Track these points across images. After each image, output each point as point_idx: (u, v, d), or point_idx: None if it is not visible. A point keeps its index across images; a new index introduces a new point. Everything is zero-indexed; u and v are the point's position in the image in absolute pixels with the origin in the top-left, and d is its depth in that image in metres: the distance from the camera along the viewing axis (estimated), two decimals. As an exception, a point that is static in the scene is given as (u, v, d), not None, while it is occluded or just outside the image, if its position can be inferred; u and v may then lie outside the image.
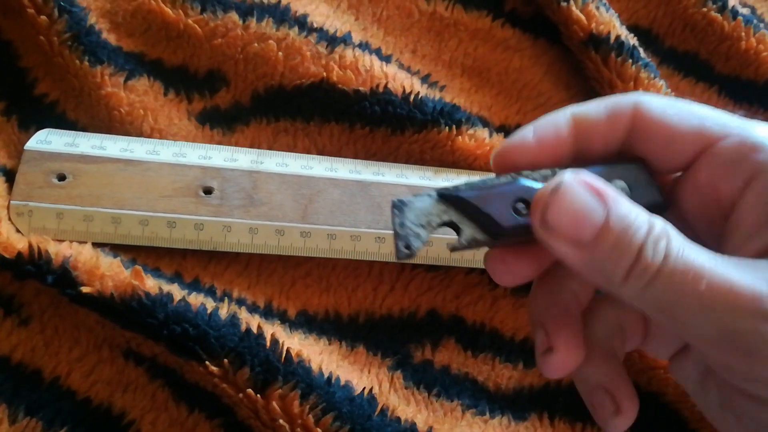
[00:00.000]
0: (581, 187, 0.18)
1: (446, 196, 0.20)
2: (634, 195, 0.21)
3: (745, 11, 0.40)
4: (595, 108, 0.21)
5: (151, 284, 0.28)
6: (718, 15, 0.39)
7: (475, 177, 0.33)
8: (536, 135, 0.21)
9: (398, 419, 0.29)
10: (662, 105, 0.21)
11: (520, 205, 0.20)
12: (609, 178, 0.20)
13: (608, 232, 0.18)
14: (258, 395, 0.26)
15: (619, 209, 0.18)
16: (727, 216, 0.20)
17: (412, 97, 0.33)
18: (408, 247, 0.20)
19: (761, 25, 0.40)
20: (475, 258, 0.32)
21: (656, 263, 0.17)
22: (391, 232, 0.31)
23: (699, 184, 0.21)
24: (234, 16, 0.33)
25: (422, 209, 0.20)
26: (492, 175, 0.21)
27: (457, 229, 0.20)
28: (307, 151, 0.33)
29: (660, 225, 0.18)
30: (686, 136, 0.20)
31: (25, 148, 0.29)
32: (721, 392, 0.21)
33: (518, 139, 0.21)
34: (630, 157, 0.21)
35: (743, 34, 0.39)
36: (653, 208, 0.19)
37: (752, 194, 0.19)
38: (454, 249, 0.20)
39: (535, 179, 0.20)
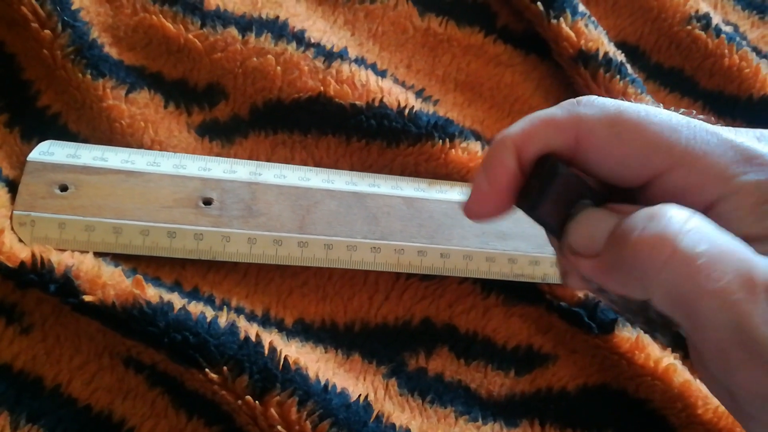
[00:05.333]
0: (601, 209, 0.19)
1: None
2: None
3: (728, 29, 0.41)
4: (553, 111, 0.21)
5: (152, 293, 0.28)
6: (702, 33, 0.41)
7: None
8: (489, 179, 0.21)
9: (393, 426, 0.29)
10: (606, 129, 0.20)
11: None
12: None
13: (619, 227, 0.18)
14: (256, 402, 0.27)
15: (634, 215, 0.18)
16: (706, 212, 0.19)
17: (406, 111, 0.34)
18: None
19: (744, 42, 0.41)
20: (468, 268, 0.33)
21: (682, 246, 0.17)
22: (385, 242, 0.32)
23: (669, 192, 0.20)
24: (233, 31, 0.34)
25: None
26: None
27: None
28: (305, 163, 0.34)
29: (687, 216, 0.17)
30: (633, 165, 0.20)
31: (28, 159, 0.30)
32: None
33: (476, 193, 0.22)
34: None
35: (726, 51, 0.41)
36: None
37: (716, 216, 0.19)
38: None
39: None
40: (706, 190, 0.19)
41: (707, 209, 0.19)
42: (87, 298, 0.27)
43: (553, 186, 0.20)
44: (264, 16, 0.35)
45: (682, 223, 0.17)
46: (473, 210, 0.22)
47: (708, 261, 0.16)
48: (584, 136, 0.20)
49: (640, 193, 0.21)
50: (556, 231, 0.21)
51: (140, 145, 0.32)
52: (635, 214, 0.18)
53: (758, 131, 0.20)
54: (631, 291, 0.19)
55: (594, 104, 0.20)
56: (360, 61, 0.35)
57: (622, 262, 0.18)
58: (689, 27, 0.41)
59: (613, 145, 0.20)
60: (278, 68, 0.34)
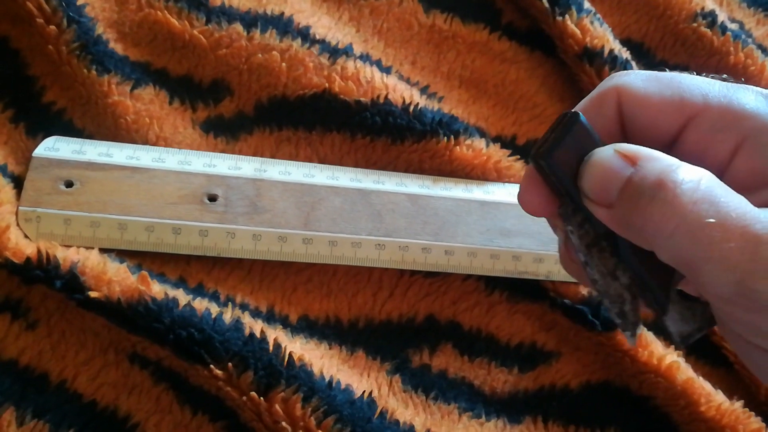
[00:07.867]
0: (610, 154, 0.20)
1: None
2: None
3: (733, 27, 0.41)
4: (584, 105, 0.22)
5: (157, 289, 0.28)
6: (708, 30, 0.41)
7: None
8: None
9: (397, 422, 0.30)
10: (643, 83, 0.21)
11: None
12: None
13: (629, 186, 0.19)
14: (261, 398, 0.27)
15: (648, 164, 0.19)
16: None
17: (411, 107, 0.34)
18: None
19: (749, 40, 0.41)
20: (472, 265, 0.33)
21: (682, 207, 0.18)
22: (389, 239, 0.32)
23: (686, 155, 0.21)
24: (238, 27, 0.34)
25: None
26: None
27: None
28: (309, 160, 0.34)
29: (693, 173, 0.18)
30: (668, 110, 0.21)
31: (33, 155, 0.30)
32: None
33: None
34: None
35: (732, 48, 0.40)
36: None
37: (742, 158, 0.20)
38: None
39: None
40: (738, 126, 0.20)
41: (737, 146, 0.20)
42: (92, 294, 0.27)
43: (572, 133, 0.20)
44: (269, 12, 0.35)
45: (691, 192, 0.18)
46: (523, 201, 0.23)
47: (713, 230, 0.18)
48: (624, 92, 0.21)
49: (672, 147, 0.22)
50: (567, 183, 0.21)
51: (145, 141, 0.32)
52: (645, 175, 0.19)
53: None
54: (641, 245, 0.20)
55: (628, 72, 0.22)
56: (365, 58, 0.35)
57: (633, 222, 0.19)
58: (695, 24, 0.41)
59: (652, 93, 0.21)
60: (283, 65, 0.34)
